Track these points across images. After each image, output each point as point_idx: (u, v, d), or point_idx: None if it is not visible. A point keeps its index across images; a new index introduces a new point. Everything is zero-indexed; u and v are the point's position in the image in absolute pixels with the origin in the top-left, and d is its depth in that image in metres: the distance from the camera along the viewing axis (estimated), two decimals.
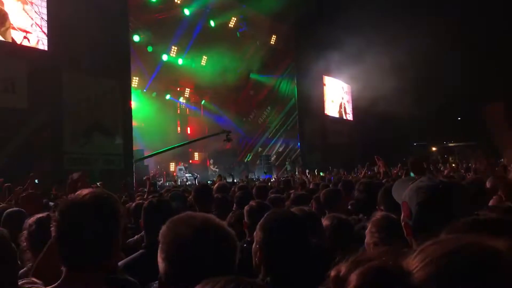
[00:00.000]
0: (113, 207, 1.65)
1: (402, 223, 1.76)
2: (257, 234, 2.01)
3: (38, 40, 12.77)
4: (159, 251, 1.42)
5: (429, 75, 27.18)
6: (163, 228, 1.46)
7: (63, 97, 13.08)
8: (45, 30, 12.86)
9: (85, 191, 1.65)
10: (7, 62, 11.79)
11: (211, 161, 23.61)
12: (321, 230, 2.84)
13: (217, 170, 22.33)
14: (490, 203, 3.01)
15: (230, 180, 14.22)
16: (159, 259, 1.41)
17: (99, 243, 1.57)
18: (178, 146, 17.85)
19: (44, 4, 12.89)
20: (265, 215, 2.10)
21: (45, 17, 12.86)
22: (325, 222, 2.95)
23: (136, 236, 3.77)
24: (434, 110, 30.63)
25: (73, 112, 13.21)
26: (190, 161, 24.77)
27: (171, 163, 22.57)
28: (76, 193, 1.67)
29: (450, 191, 1.72)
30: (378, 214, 2.59)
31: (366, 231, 2.58)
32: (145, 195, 7.03)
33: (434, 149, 38.85)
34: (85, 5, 12.95)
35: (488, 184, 3.91)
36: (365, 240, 2.56)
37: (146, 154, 18.13)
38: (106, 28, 13.85)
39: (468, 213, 1.53)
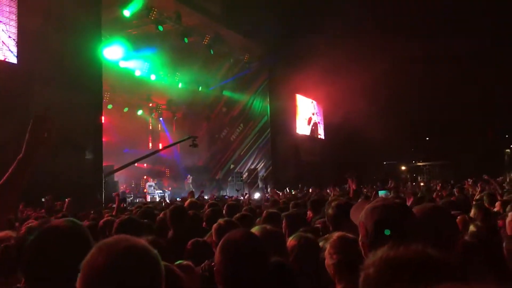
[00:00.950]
0: (86, 236, 1.66)
1: (360, 243, 1.81)
2: (216, 255, 2.02)
3: (5, 58, 12.54)
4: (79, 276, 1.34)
5: (398, 95, 27.78)
6: (88, 254, 1.37)
7: (31, 112, 12.83)
8: (14, 45, 12.64)
9: (59, 222, 1.66)
10: None
11: (191, 178, 23.48)
12: (284, 248, 2.85)
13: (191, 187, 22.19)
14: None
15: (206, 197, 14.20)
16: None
17: (67, 271, 1.54)
18: (144, 157, 17.63)
19: (14, 19, 12.70)
20: (224, 238, 2.10)
21: (14, 34, 12.67)
22: (292, 241, 2.96)
23: None
24: (404, 130, 31.30)
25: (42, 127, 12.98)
26: (169, 178, 24.58)
27: (146, 179, 22.31)
28: (50, 221, 1.68)
29: (404, 211, 1.79)
30: (335, 235, 2.62)
31: (325, 252, 2.60)
32: (114, 212, 6.93)
33: (403, 168, 39.58)
34: (56, 19, 12.81)
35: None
36: (325, 262, 2.58)
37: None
38: (78, 43, 13.73)
39: (421, 232, 1.61)
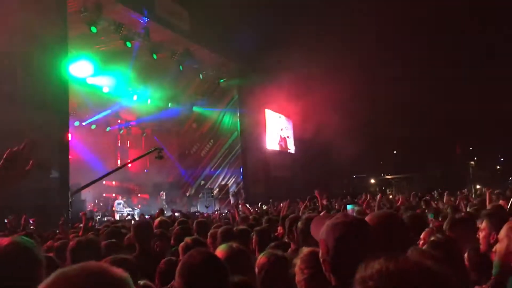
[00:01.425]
0: (33, 257, 1.61)
1: (321, 260, 1.80)
2: (176, 280, 1.97)
3: None
4: None
5: (368, 110, 28.25)
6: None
7: None
8: None
9: (4, 241, 1.60)
10: None
11: (164, 193, 23.19)
12: (251, 267, 2.82)
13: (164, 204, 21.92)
14: (422, 235, 3.14)
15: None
16: None
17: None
18: (109, 174, 17.30)
19: None
20: (182, 260, 2.06)
21: None
22: (262, 259, 2.93)
23: None
24: (372, 143, 31.82)
25: (6, 146, 12.59)
26: (139, 195, 24.18)
27: (115, 197, 21.87)
28: None
29: (364, 227, 1.79)
30: (305, 251, 2.61)
31: (296, 269, 2.57)
32: (80, 232, 6.76)
33: (372, 181, 40.17)
34: (20, 35, 12.55)
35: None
36: (296, 279, 2.54)
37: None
38: (43, 59, 13.47)
39: (384, 247, 1.61)
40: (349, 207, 7.33)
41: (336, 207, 10.85)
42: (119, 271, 1.28)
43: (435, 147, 35.72)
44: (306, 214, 4.36)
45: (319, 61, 23.38)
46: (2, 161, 1.92)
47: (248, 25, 22.32)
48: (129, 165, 24.49)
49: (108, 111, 22.98)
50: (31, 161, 1.98)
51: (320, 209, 8.08)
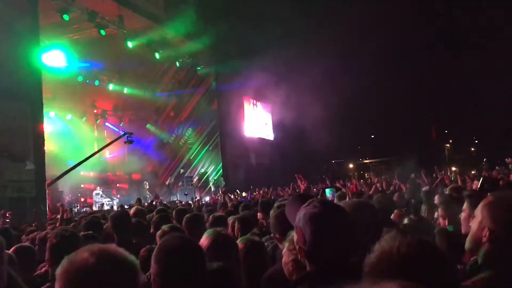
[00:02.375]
0: None
1: (297, 247, 1.81)
2: (152, 266, 1.95)
3: None
4: None
5: (345, 95, 28.40)
6: (59, 267, 1.39)
7: None
8: None
9: None
10: None
11: (147, 183, 23.06)
12: (229, 252, 2.83)
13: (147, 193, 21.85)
14: (392, 217, 3.20)
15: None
16: None
17: None
18: (81, 162, 17.05)
19: None
20: (157, 245, 2.04)
21: None
22: (239, 244, 2.95)
23: (43, 269, 3.56)
24: (350, 129, 32.10)
25: None
26: (118, 185, 23.96)
27: (94, 188, 21.61)
28: None
29: (343, 218, 1.80)
30: (294, 233, 2.61)
31: (283, 251, 2.58)
32: (57, 223, 6.68)
33: (351, 166, 40.60)
34: None
35: (395, 199, 4.16)
36: (283, 260, 2.55)
37: (60, 180, 17.28)
38: (15, 48, 13.16)
39: (362, 235, 1.64)
40: (328, 191, 7.37)
41: (316, 191, 10.95)
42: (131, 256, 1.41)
43: (411, 131, 36.26)
44: (278, 202, 4.37)
45: (297, 48, 23.35)
46: None
47: (223, 12, 22.14)
48: (109, 155, 24.25)
49: (83, 101, 22.63)
50: None
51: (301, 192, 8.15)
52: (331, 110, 25.26)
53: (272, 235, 4.02)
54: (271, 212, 3.32)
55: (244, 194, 16.85)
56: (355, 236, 1.65)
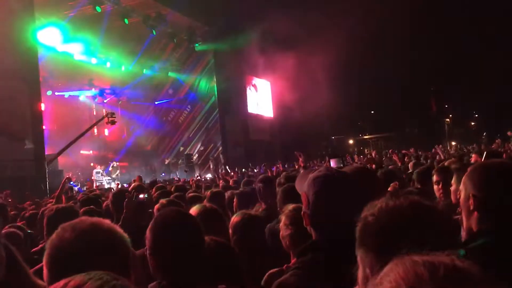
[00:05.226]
0: None
1: (302, 213, 1.79)
2: (147, 238, 1.91)
3: None
4: (44, 257, 1.35)
5: (345, 71, 28.20)
6: (53, 234, 1.38)
7: None
8: None
9: None
10: None
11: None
12: (224, 226, 2.83)
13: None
14: (390, 187, 3.20)
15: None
16: (44, 266, 1.34)
17: None
18: (74, 140, 16.98)
19: None
20: (154, 218, 2.02)
21: None
22: (235, 218, 2.94)
23: (40, 245, 3.55)
24: (350, 105, 31.99)
25: None
26: (118, 164, 23.98)
27: (93, 167, 21.64)
28: None
29: (345, 179, 1.78)
30: (290, 207, 2.61)
31: (280, 224, 2.59)
32: (54, 201, 6.62)
33: (351, 142, 40.62)
34: None
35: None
36: (280, 234, 2.57)
37: (60, 159, 17.30)
38: (10, 27, 13.00)
39: (362, 201, 1.60)
40: (333, 161, 7.32)
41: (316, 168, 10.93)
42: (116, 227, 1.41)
43: (411, 106, 36.14)
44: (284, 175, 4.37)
45: (297, 23, 23.07)
46: None
47: None
48: (109, 134, 24.20)
49: (81, 79, 22.48)
50: None
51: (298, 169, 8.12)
52: (331, 86, 25.11)
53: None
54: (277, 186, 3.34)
55: (244, 170, 16.83)
56: (358, 200, 1.62)
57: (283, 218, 2.58)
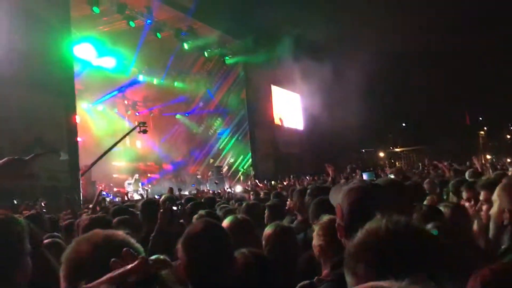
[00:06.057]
0: (11, 231, 1.63)
1: (336, 225, 1.78)
2: (179, 251, 1.95)
3: None
4: (61, 270, 1.37)
5: (375, 82, 27.95)
6: (68, 248, 1.41)
7: (2, 113, 12.48)
8: None
9: None
10: None
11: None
12: (254, 237, 2.84)
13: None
14: (425, 203, 3.12)
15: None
16: (61, 278, 1.36)
17: None
18: (107, 151, 17.31)
19: None
20: (185, 232, 2.05)
21: None
22: (268, 230, 2.95)
23: None
24: (380, 118, 31.62)
25: (10, 129, 12.63)
26: (149, 175, 24.29)
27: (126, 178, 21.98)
28: None
29: (379, 191, 1.76)
30: (325, 218, 2.63)
31: (314, 233, 2.62)
32: (91, 211, 6.77)
33: (381, 154, 40.04)
34: (22, 16, 12.49)
35: (425, 186, 4.05)
36: (313, 243, 2.61)
37: (94, 170, 17.64)
38: (47, 42, 13.43)
39: (396, 212, 1.58)
40: (366, 175, 7.25)
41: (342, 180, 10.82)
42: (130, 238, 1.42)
43: (444, 118, 35.43)
44: (312, 187, 4.36)
45: (327, 35, 23.01)
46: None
47: (252, 1, 21.99)
48: (140, 145, 24.59)
49: (115, 92, 22.99)
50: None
51: (330, 182, 8.05)
52: (361, 98, 24.88)
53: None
54: (307, 198, 3.34)
55: (273, 183, 16.79)
56: (393, 211, 1.59)
57: (317, 228, 2.62)
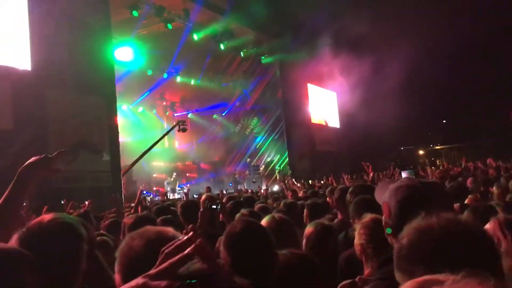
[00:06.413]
0: (74, 232, 1.69)
1: (383, 224, 1.79)
2: (221, 251, 1.98)
3: (19, 65, 12.57)
4: (116, 265, 1.43)
5: (413, 78, 27.37)
6: (122, 243, 1.47)
7: (47, 116, 12.97)
8: (27, 52, 12.69)
9: (46, 217, 1.68)
10: None
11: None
12: (294, 237, 2.85)
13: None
14: (466, 201, 3.08)
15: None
16: (116, 273, 1.42)
17: (60, 269, 1.59)
18: (147, 151, 17.62)
19: (26, 25, 12.77)
20: (226, 231, 2.07)
21: (27, 40, 12.71)
22: (309, 229, 2.96)
23: None
24: (419, 114, 30.93)
25: (58, 130, 13.10)
26: (187, 174, 24.68)
27: (165, 178, 22.41)
28: (37, 219, 1.70)
29: (428, 190, 1.75)
30: (368, 217, 2.63)
31: (356, 232, 2.63)
32: (132, 210, 6.93)
33: (421, 152, 39.20)
34: (67, 22, 12.90)
35: (469, 184, 3.99)
36: (355, 241, 2.62)
37: (134, 170, 18.06)
38: (90, 45, 13.82)
39: (444, 210, 1.58)
40: (404, 173, 7.14)
41: (383, 178, 10.70)
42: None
43: (486, 115, 34.32)
44: (355, 185, 4.34)
45: (363, 32, 22.71)
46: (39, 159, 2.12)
47: (285, 2, 21.97)
48: (178, 145, 24.98)
49: (153, 93, 23.44)
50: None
51: (369, 181, 7.99)
52: (399, 95, 24.42)
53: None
54: (348, 197, 3.34)
55: (310, 182, 16.73)
56: (441, 209, 1.59)
57: (359, 226, 2.63)
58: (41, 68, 12.67)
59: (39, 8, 12.78)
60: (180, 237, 1.46)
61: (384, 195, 1.81)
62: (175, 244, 1.13)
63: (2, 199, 2.02)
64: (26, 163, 2.12)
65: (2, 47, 12.16)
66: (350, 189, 3.73)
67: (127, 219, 4.16)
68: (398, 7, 23.69)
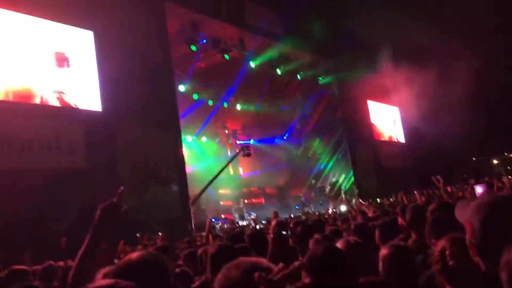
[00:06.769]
0: (162, 267, 1.77)
1: (468, 243, 1.72)
2: (303, 274, 1.99)
3: (91, 107, 13.32)
4: None
5: (482, 86, 26.18)
6: (219, 274, 1.57)
7: (118, 153, 13.58)
8: (97, 93, 13.43)
9: (134, 254, 1.76)
10: (66, 125, 12.42)
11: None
12: (369, 261, 2.80)
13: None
14: None
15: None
16: None
17: None
18: (213, 179, 17.88)
19: (94, 64, 13.53)
20: (307, 255, 2.08)
21: (96, 82, 13.46)
22: (384, 251, 2.88)
23: (196, 282, 3.77)
24: (490, 122, 29.45)
25: (128, 166, 13.66)
26: (253, 200, 24.80)
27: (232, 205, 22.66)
28: (127, 258, 1.80)
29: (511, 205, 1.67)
30: (448, 237, 2.52)
31: (436, 252, 2.51)
32: (204, 239, 7.05)
33: (495, 162, 37.15)
34: (132, 61, 13.55)
35: None
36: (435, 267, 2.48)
37: (203, 198, 18.38)
38: (153, 81, 14.44)
39: None
40: (478, 188, 6.82)
41: (457, 192, 10.24)
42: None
43: None
44: (433, 205, 4.17)
45: (424, 42, 22.09)
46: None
47: (341, 20, 21.91)
48: (243, 173, 25.25)
49: (214, 123, 23.97)
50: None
51: (446, 196, 7.66)
52: (467, 104, 23.39)
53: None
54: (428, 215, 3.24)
55: (378, 200, 16.33)
56: None
57: (439, 247, 2.51)
58: (111, 108, 13.36)
59: (106, 49, 13.57)
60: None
61: (465, 213, 1.75)
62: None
63: (85, 244, 2.10)
64: (98, 213, 2.16)
65: (74, 90, 12.94)
66: (431, 208, 3.61)
67: (207, 249, 4.22)
68: (462, 14, 22.90)
